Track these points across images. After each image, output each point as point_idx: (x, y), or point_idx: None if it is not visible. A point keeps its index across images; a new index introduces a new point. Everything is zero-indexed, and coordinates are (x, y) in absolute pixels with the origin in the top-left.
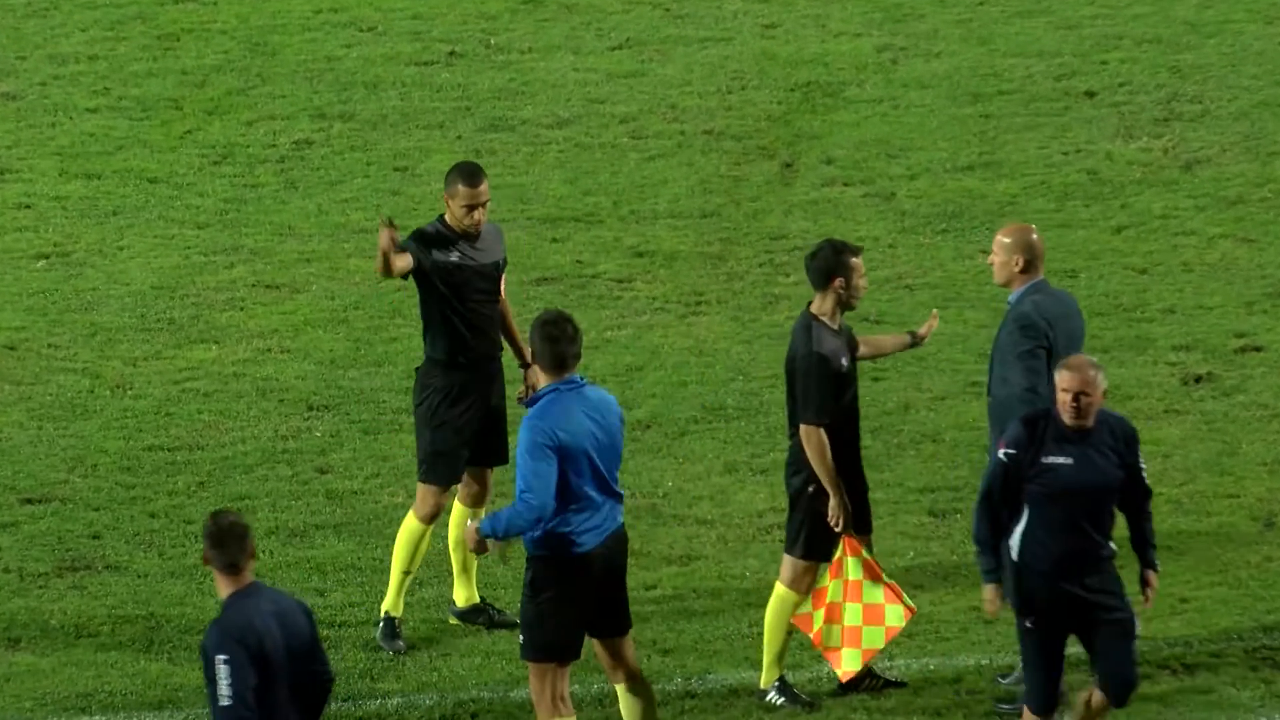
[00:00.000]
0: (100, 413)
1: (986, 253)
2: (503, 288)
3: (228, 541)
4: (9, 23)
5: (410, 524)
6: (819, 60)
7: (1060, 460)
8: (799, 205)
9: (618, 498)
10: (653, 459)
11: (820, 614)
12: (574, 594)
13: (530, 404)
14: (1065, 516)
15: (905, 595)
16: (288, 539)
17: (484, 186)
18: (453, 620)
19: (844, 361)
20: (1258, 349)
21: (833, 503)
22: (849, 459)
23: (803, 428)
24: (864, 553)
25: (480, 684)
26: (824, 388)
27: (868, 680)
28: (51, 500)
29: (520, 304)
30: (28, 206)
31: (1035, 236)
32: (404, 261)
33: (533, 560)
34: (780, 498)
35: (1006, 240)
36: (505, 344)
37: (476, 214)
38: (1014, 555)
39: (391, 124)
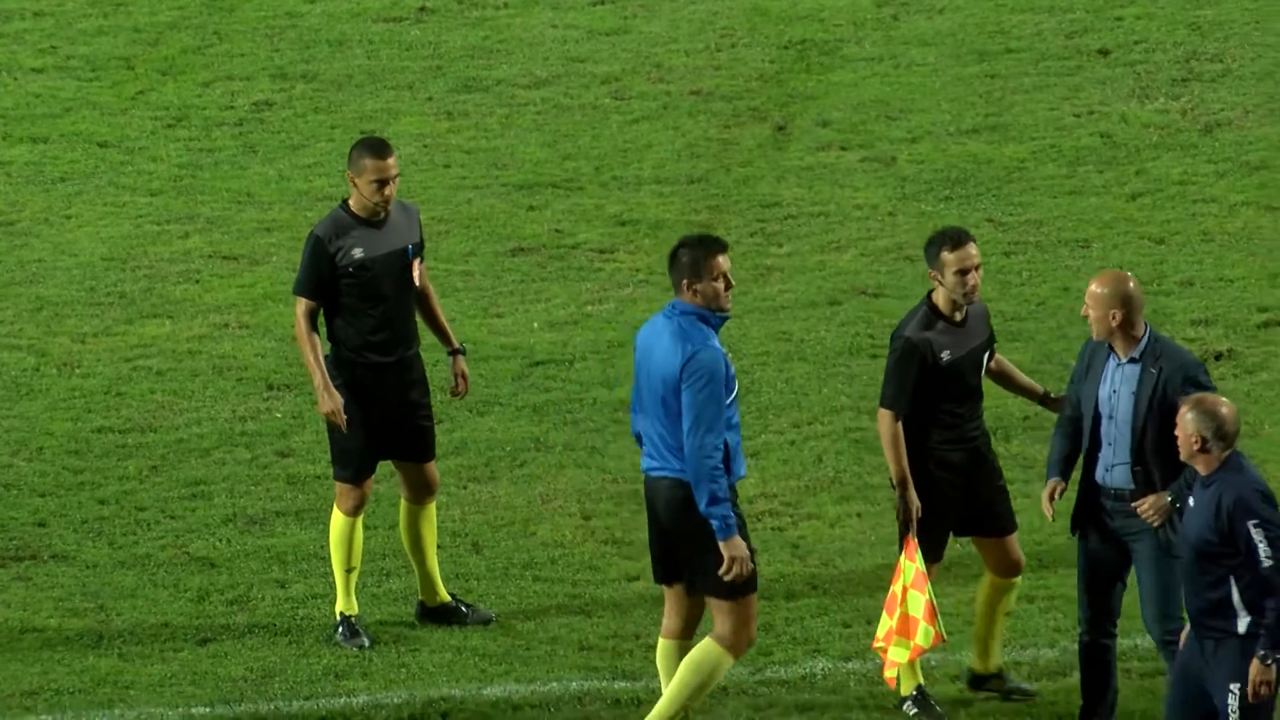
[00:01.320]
0: (46, 393)
1: (992, 221)
2: (419, 271)
3: None
4: None
5: (336, 519)
6: (814, 16)
7: (1190, 501)
8: (792, 171)
9: (660, 442)
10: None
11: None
12: (647, 516)
13: None
14: (1184, 564)
15: (940, 620)
16: (246, 526)
17: (393, 160)
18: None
19: (944, 355)
20: None
21: (897, 497)
22: (950, 465)
23: (879, 409)
24: (917, 561)
25: (451, 681)
26: (904, 374)
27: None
28: None
29: (494, 277)
30: None
31: (1133, 285)
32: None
33: None
34: (771, 483)
35: (1101, 291)
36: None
37: (387, 190)
38: None
39: (357, 84)
